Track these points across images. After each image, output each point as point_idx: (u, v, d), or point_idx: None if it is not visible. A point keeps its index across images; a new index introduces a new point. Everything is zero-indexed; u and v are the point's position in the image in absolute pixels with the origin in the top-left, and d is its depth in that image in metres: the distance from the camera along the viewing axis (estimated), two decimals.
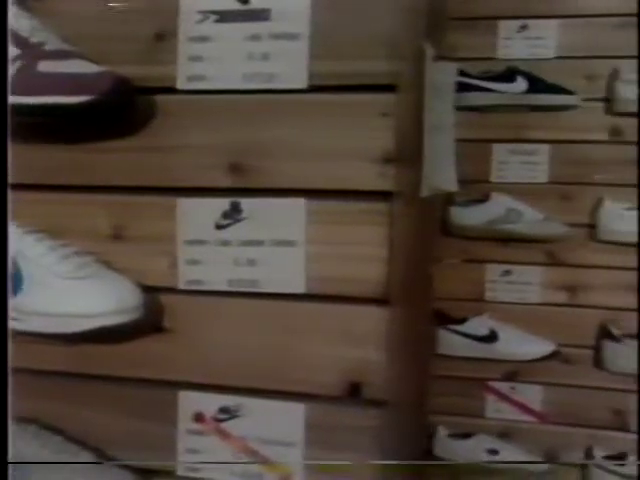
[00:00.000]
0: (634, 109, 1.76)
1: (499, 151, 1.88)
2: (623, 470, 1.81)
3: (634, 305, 1.82)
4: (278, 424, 0.91)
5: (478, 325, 1.88)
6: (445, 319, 1.91)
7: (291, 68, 0.86)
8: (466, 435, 1.92)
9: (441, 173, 1.01)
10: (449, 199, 1.88)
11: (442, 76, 0.99)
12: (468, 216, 1.88)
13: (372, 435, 0.87)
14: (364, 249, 0.85)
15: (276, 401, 0.90)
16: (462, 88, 1.85)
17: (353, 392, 0.87)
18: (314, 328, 0.88)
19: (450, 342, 1.90)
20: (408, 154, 0.90)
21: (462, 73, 1.84)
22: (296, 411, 0.90)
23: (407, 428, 1.18)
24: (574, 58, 1.81)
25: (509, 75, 1.82)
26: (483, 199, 1.86)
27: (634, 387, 1.84)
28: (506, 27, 1.86)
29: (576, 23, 1.80)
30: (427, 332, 1.62)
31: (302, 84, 0.86)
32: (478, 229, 1.87)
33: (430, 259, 1.35)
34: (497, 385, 1.94)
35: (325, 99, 0.86)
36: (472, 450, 1.89)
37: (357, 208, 0.85)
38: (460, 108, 1.86)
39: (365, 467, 0.88)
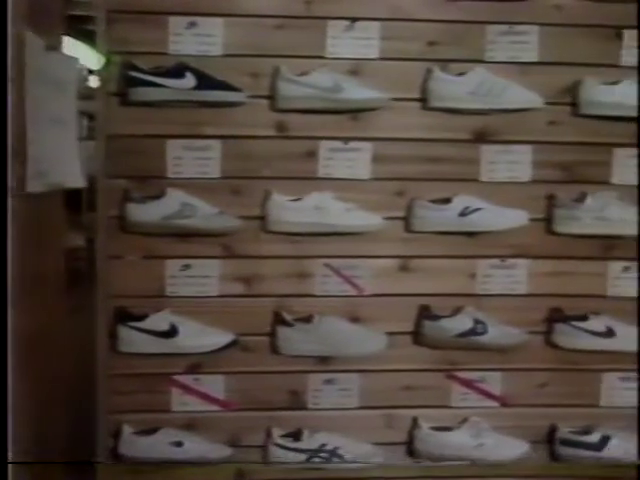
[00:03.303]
0: (295, 106, 1.86)
1: (173, 147, 1.89)
2: (299, 445, 1.92)
3: (303, 291, 1.94)
4: None
5: (158, 321, 1.89)
6: (126, 316, 1.89)
7: None
8: (151, 431, 1.92)
9: (63, 169, 0.98)
10: (126, 196, 1.86)
11: (59, 69, 0.96)
12: (145, 212, 1.86)
13: None
14: None
15: None
16: (134, 83, 1.84)
17: None
18: None
19: (132, 339, 1.89)
20: (18, 148, 0.86)
21: (134, 68, 1.83)
22: None
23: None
24: (240, 56, 1.87)
25: (179, 71, 1.83)
26: (159, 195, 1.86)
27: (307, 368, 1.96)
28: (176, 23, 1.86)
29: (241, 22, 1.86)
30: (67, 330, 1.57)
31: None
32: (155, 225, 1.86)
33: (60, 254, 1.32)
34: (181, 378, 1.96)
35: None
36: (157, 445, 1.90)
37: None
38: (133, 103, 1.85)
39: None
